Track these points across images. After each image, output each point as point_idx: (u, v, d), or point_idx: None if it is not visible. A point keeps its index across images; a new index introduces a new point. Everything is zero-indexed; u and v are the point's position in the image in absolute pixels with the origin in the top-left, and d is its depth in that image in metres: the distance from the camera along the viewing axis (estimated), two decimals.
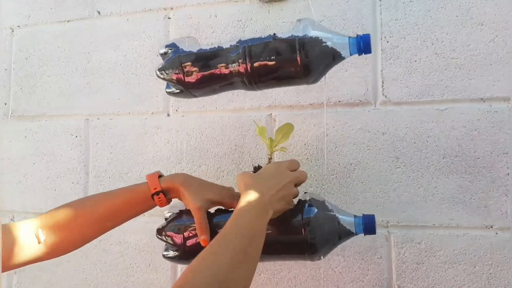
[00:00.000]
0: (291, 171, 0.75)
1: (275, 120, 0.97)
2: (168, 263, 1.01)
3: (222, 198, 0.79)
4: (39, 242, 0.72)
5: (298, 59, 0.71)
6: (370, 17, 0.92)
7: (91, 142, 1.10)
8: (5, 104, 1.17)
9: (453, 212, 0.86)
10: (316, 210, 0.74)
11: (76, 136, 1.11)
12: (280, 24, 0.98)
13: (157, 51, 0.95)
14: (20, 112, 1.16)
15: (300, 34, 0.71)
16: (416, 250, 0.88)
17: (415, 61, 0.89)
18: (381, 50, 0.91)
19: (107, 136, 1.08)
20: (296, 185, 0.75)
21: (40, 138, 1.13)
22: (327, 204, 0.76)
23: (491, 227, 0.84)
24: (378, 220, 0.89)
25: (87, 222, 0.75)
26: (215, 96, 0.96)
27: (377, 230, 0.88)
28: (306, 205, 0.75)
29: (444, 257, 0.86)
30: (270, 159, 0.81)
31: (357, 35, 0.73)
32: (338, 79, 0.93)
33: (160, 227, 0.81)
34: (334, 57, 0.73)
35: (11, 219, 1.14)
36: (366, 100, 0.92)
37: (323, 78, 0.76)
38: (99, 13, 1.11)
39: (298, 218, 0.74)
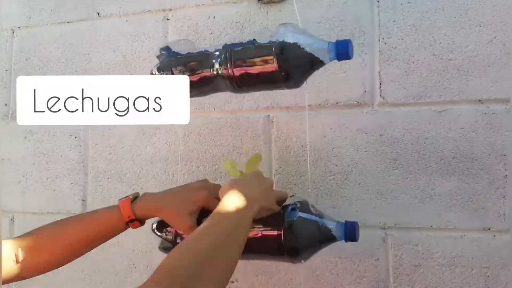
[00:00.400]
0: None
1: (272, 121, 0.97)
2: None
3: (205, 203, 0.79)
4: (17, 262, 0.74)
5: (276, 64, 0.72)
6: (368, 18, 0.92)
7: (90, 143, 1.10)
8: (5, 105, 1.18)
9: (451, 214, 0.86)
10: (298, 214, 0.76)
11: (76, 137, 1.11)
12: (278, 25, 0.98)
13: (156, 52, 0.95)
14: None
15: (279, 40, 0.72)
16: (413, 252, 0.87)
17: (413, 62, 0.89)
18: (379, 51, 0.91)
19: (106, 137, 1.09)
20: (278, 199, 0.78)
21: (40, 139, 1.14)
22: (311, 208, 0.77)
23: (489, 229, 0.84)
24: (375, 221, 0.89)
25: (63, 246, 0.78)
26: (212, 98, 0.96)
27: (375, 232, 0.89)
28: (289, 208, 0.76)
29: (441, 259, 0.86)
30: None
31: (336, 40, 0.73)
32: (335, 81, 0.93)
33: (155, 221, 0.83)
34: (312, 62, 0.74)
35: (11, 219, 1.15)
36: (364, 102, 0.91)
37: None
38: (98, 14, 1.12)
39: (279, 221, 0.75)
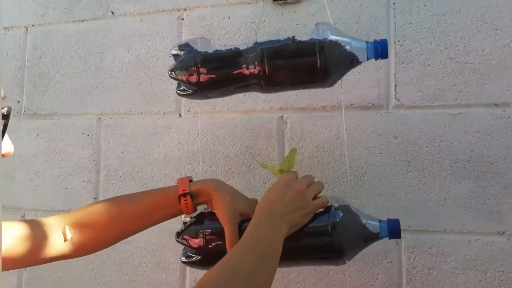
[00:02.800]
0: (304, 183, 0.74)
1: (286, 122, 0.97)
2: (177, 263, 1.01)
3: (250, 212, 0.75)
4: (65, 240, 0.71)
5: (318, 62, 0.71)
6: (384, 20, 0.92)
7: (103, 141, 1.10)
8: (18, 102, 1.18)
9: (465, 217, 0.86)
10: (341, 213, 0.74)
11: (88, 135, 1.11)
12: (293, 26, 0.98)
13: (170, 52, 0.95)
14: (33, 110, 1.17)
15: (320, 38, 0.72)
16: (427, 255, 0.87)
17: (429, 65, 0.89)
18: (395, 53, 0.91)
19: (119, 135, 1.09)
20: (314, 196, 0.74)
21: (52, 137, 1.14)
22: (351, 208, 0.75)
23: (503, 233, 0.84)
24: None
25: (113, 222, 0.74)
26: (226, 98, 0.96)
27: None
28: (332, 208, 0.75)
29: (455, 262, 0.86)
30: None
31: (374, 40, 0.73)
32: (350, 82, 0.93)
33: (180, 230, 0.79)
34: (352, 61, 0.74)
35: (22, 216, 1.15)
36: (379, 104, 0.91)
37: (339, 82, 0.77)
38: (112, 13, 1.12)
39: (324, 222, 0.73)
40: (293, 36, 0.74)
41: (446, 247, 0.86)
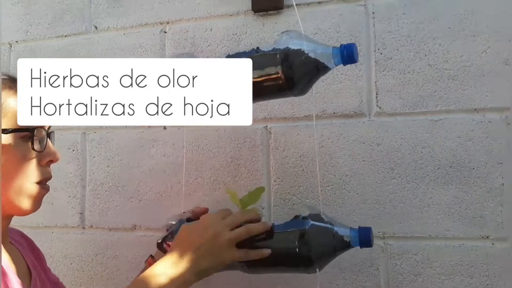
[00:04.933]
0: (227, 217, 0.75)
1: (270, 132, 0.97)
2: None
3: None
4: None
5: (280, 71, 0.71)
6: (364, 29, 0.93)
7: (88, 156, 1.10)
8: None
9: (449, 222, 0.86)
10: (310, 222, 0.74)
11: (73, 150, 1.11)
12: (275, 37, 0.99)
13: None
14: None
15: (283, 47, 0.72)
16: (412, 261, 0.87)
17: (409, 72, 0.90)
18: (375, 62, 0.92)
19: (104, 149, 1.09)
20: (237, 226, 0.74)
21: None
22: (322, 216, 0.76)
23: (487, 237, 0.84)
24: (374, 231, 0.88)
25: None
26: None
27: (374, 242, 0.88)
28: (301, 217, 0.75)
29: (440, 268, 0.86)
30: None
31: (341, 45, 0.73)
32: (332, 91, 0.93)
33: (160, 240, 0.81)
34: (318, 68, 0.74)
35: None
36: (361, 112, 0.92)
37: (310, 90, 0.77)
38: (96, 28, 1.13)
39: (292, 230, 0.74)
40: (257, 47, 0.76)
41: (431, 253, 0.86)
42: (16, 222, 1.13)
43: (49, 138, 0.75)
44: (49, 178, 0.76)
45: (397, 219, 0.88)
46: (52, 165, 1.11)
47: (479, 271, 0.84)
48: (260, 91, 0.76)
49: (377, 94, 0.91)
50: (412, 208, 0.88)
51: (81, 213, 1.09)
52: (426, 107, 0.88)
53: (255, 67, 0.73)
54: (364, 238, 0.73)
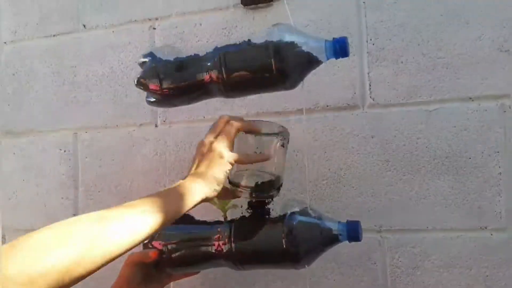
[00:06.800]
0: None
1: None
2: None
3: None
4: None
5: (273, 64, 0.69)
6: (355, 19, 0.91)
7: (80, 156, 1.09)
8: None
9: (447, 214, 0.84)
10: (298, 217, 0.73)
11: (65, 151, 1.10)
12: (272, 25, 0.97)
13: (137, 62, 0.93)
14: (8, 128, 1.15)
15: (275, 39, 0.70)
16: (410, 254, 0.86)
17: (402, 62, 0.88)
18: (367, 52, 0.90)
19: (96, 149, 1.07)
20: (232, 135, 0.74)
21: (29, 154, 1.12)
22: (310, 211, 0.74)
23: (485, 228, 0.83)
24: (370, 225, 0.87)
25: None
26: (202, 106, 0.95)
27: (370, 235, 0.87)
28: (288, 212, 0.74)
29: (439, 261, 0.84)
30: (225, 218, 0.81)
31: (333, 38, 0.72)
32: (325, 84, 0.92)
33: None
34: (310, 61, 0.72)
35: (3, 237, 1.13)
36: (354, 104, 0.90)
37: (301, 83, 0.75)
38: (84, 26, 1.11)
39: (279, 226, 0.72)
40: (249, 40, 0.73)
41: (429, 246, 0.85)
42: (9, 226, 1.12)
43: None
44: None
45: (394, 212, 0.87)
46: (44, 167, 1.11)
47: (478, 263, 0.82)
48: (252, 84, 0.74)
49: (370, 85, 0.90)
50: (409, 200, 0.86)
51: (74, 215, 1.07)
52: (420, 97, 0.87)
53: (246, 60, 0.72)
54: (353, 232, 0.72)
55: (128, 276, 0.78)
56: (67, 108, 1.10)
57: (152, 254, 0.78)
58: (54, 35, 1.13)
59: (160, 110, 1.03)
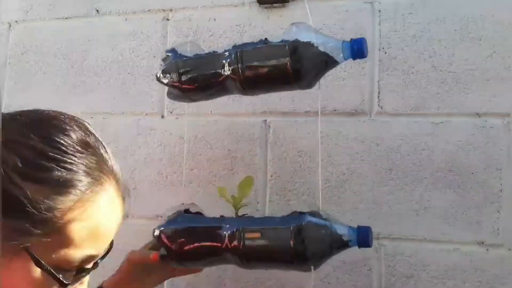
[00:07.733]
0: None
1: (269, 126, 0.96)
2: None
3: None
4: None
5: (288, 64, 0.70)
6: (369, 27, 0.92)
7: None
8: None
9: (445, 226, 0.85)
10: (308, 218, 0.72)
11: None
12: (279, 30, 0.97)
13: (154, 52, 0.94)
14: (14, 108, 1.14)
15: (292, 39, 0.71)
16: (406, 263, 0.87)
17: (412, 73, 0.89)
18: (379, 60, 0.91)
19: (100, 135, 1.07)
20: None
21: None
22: (321, 213, 0.74)
23: (483, 243, 0.84)
24: None
25: None
26: (210, 100, 0.96)
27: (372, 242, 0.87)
28: (298, 212, 0.74)
29: (434, 271, 0.85)
30: (236, 214, 0.82)
31: (351, 39, 0.72)
32: (334, 88, 0.92)
33: (157, 228, 0.80)
34: (326, 62, 0.72)
35: None
36: (362, 110, 0.91)
37: (317, 85, 0.76)
38: (97, 11, 1.11)
39: (288, 225, 0.72)
40: (266, 38, 0.75)
41: (425, 256, 0.86)
42: None
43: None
44: None
45: (393, 220, 0.88)
46: None
47: (472, 277, 0.84)
48: (268, 83, 0.75)
49: (379, 93, 0.90)
50: (409, 210, 0.87)
51: None
52: (428, 109, 0.88)
53: (262, 58, 0.72)
54: (363, 238, 0.71)
55: (128, 271, 0.79)
56: (74, 91, 1.10)
57: (153, 256, 0.78)
58: (66, 18, 1.13)
59: (167, 101, 1.03)
